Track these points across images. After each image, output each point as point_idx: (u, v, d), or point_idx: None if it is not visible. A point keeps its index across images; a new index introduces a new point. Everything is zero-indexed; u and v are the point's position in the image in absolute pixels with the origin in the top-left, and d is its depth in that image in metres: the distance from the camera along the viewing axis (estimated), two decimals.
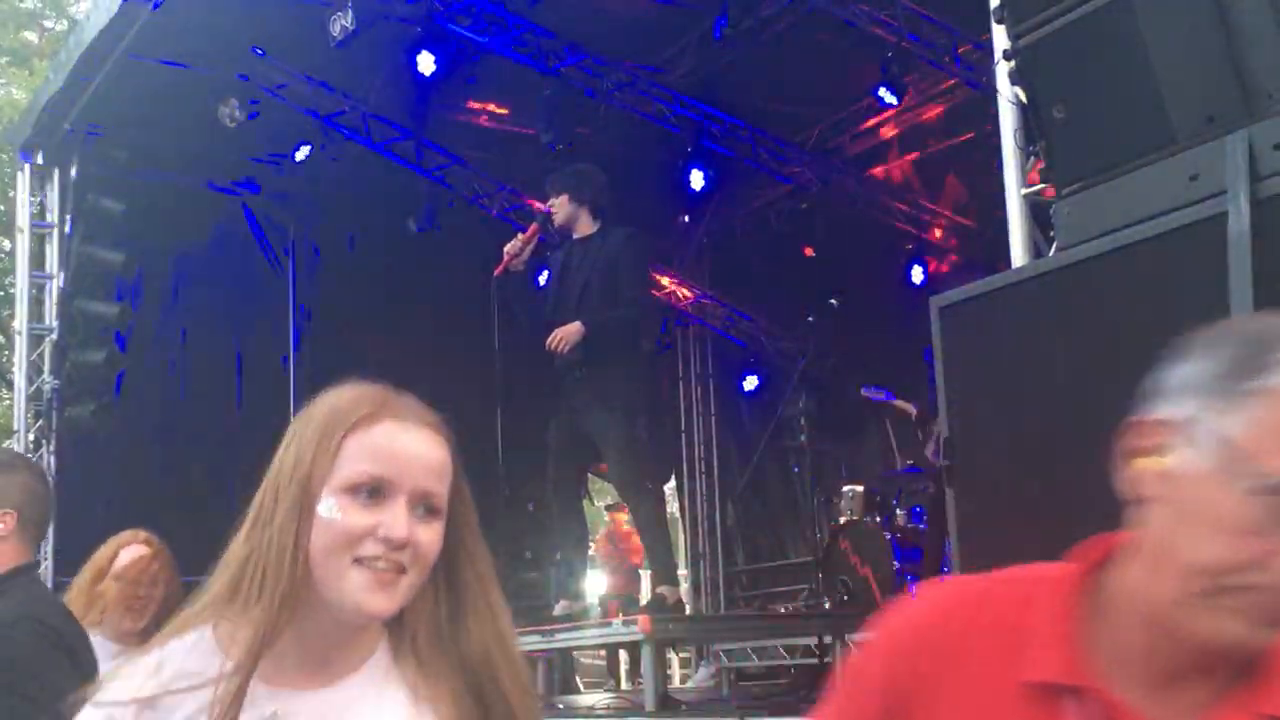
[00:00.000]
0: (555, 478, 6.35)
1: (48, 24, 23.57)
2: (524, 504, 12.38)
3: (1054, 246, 3.71)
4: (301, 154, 11.22)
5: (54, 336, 10.52)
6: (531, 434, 6.69)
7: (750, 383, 13.78)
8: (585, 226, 6.28)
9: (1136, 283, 3.03)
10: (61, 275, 10.55)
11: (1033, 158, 4.35)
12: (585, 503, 15.06)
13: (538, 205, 6.32)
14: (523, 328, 6.55)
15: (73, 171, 10.56)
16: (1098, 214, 3.32)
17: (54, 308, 10.59)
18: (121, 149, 10.56)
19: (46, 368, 10.51)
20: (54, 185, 10.76)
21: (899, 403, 9.49)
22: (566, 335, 6.04)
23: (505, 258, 6.14)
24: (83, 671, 2.69)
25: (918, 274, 11.62)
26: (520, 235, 6.20)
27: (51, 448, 10.44)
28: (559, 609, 6.89)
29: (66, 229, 10.56)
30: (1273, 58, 3.01)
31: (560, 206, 6.28)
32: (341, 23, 9.11)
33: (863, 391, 9.90)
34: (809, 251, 12.58)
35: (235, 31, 9.93)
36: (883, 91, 10.20)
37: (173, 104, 10.33)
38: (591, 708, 7.50)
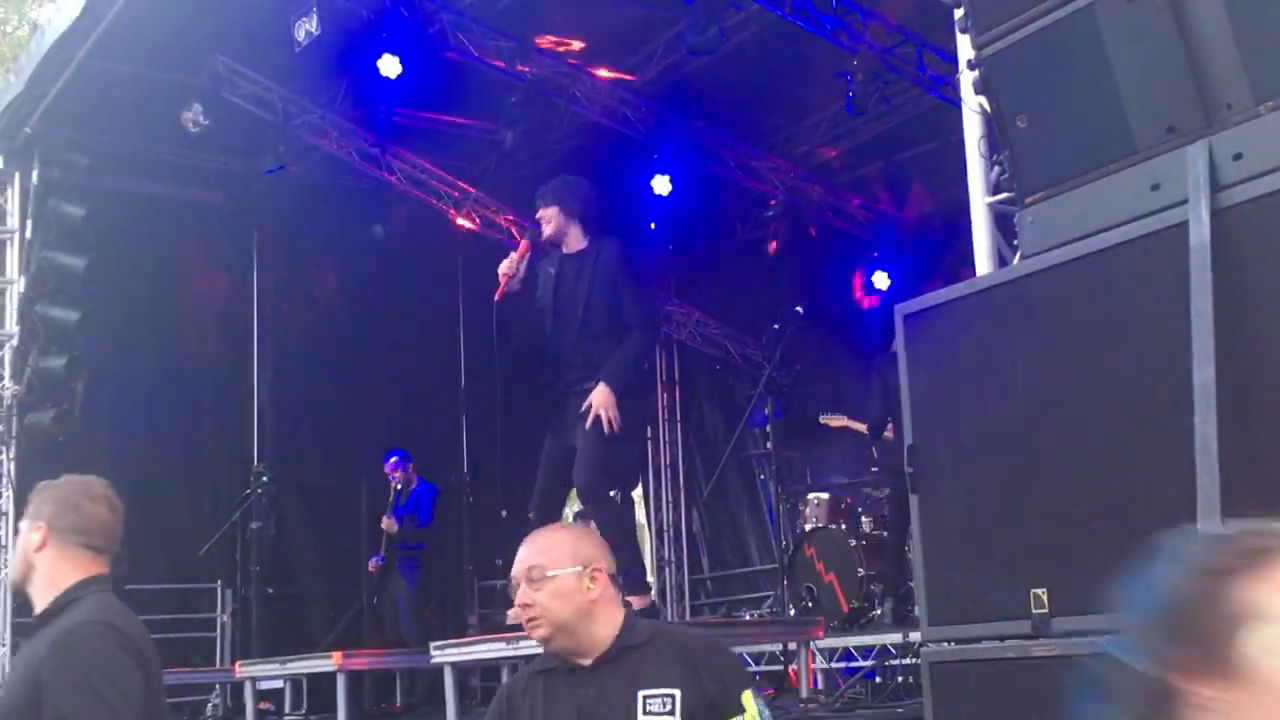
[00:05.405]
0: (541, 490, 6.22)
1: (9, 29, 23.35)
2: (495, 511, 12.34)
3: (1017, 255, 3.73)
4: (266, 160, 11.13)
5: (14, 342, 10.42)
6: (496, 441, 6.66)
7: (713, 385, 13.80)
8: (575, 240, 6.11)
9: (1099, 291, 3.06)
10: (22, 280, 10.45)
11: (997, 166, 4.38)
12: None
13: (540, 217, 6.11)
14: (519, 348, 6.41)
15: (34, 176, 10.47)
16: (1061, 223, 3.35)
17: (14, 313, 10.49)
18: (83, 154, 10.48)
19: (7, 373, 10.41)
20: (14, 189, 10.66)
21: (855, 424, 9.52)
22: (609, 410, 5.81)
23: (502, 279, 5.97)
24: (149, 676, 2.92)
25: (883, 281, 11.68)
26: (513, 254, 6.08)
27: (11, 454, 10.34)
28: (510, 616, 6.85)
29: (27, 234, 10.46)
30: (1232, 69, 3.04)
31: (551, 219, 6.13)
32: (306, 27, 9.06)
33: (821, 419, 9.93)
34: (772, 258, 12.61)
35: (198, 36, 9.87)
36: (849, 99, 10.23)
37: (135, 109, 10.26)
38: None
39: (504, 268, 5.98)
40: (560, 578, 3.08)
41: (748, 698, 2.95)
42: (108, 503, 3.19)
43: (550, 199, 6.13)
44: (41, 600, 3.02)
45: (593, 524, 6.41)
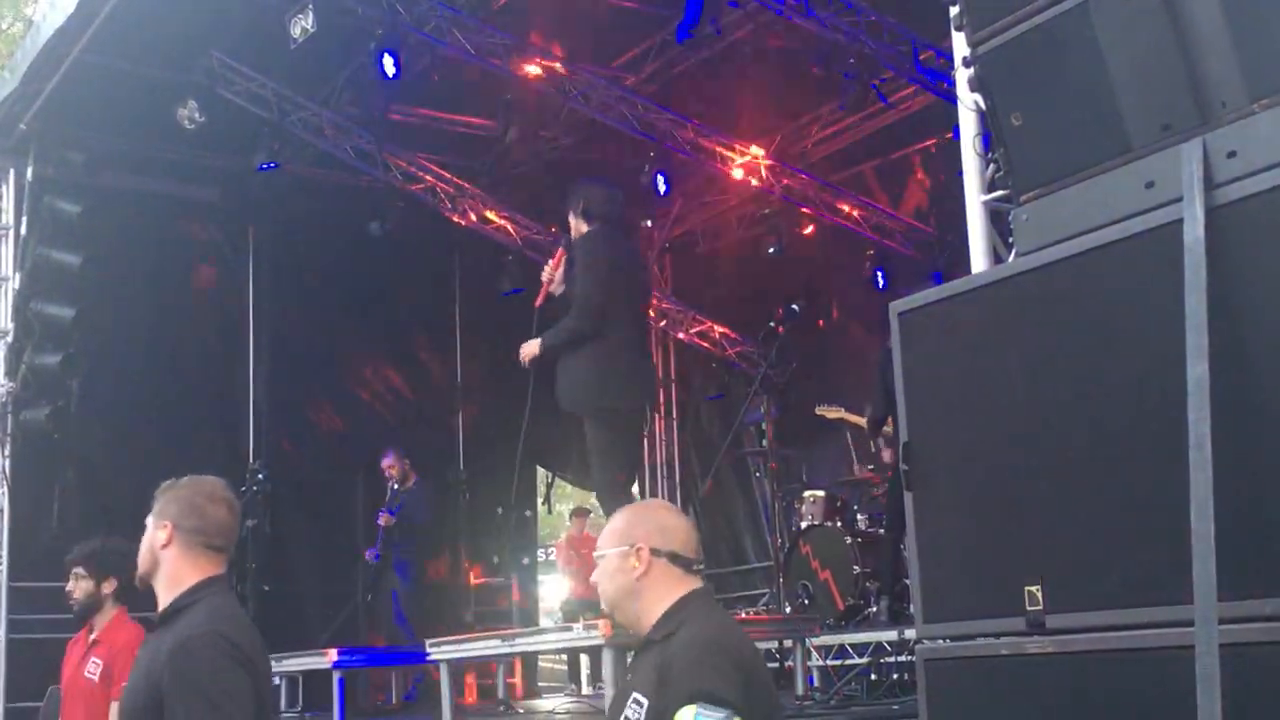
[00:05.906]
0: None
1: (4, 25, 23.32)
2: (492, 508, 12.35)
3: (1013, 252, 3.74)
4: (260, 156, 11.11)
5: (9, 339, 10.41)
6: (494, 439, 6.65)
7: (711, 388, 13.80)
8: None
9: (1094, 288, 3.06)
10: (17, 277, 10.44)
11: (992, 164, 4.38)
12: (544, 509, 15.03)
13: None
14: None
15: (29, 173, 10.45)
16: (1055, 220, 3.35)
17: (9, 310, 10.47)
18: (78, 150, 10.46)
19: (2, 371, 10.40)
20: (9, 186, 10.65)
21: (851, 416, 9.52)
22: (526, 352, 6.05)
23: (543, 285, 6.12)
24: (258, 681, 3.10)
25: (879, 280, 11.69)
26: (550, 262, 6.20)
27: (7, 451, 10.33)
28: None
29: (22, 230, 10.45)
30: (1226, 67, 3.04)
31: (568, 222, 6.29)
32: (302, 24, 9.06)
33: (817, 410, 9.94)
34: (771, 258, 12.62)
35: (193, 33, 9.86)
36: (845, 97, 10.24)
37: (130, 106, 10.24)
38: (552, 712, 7.49)
39: (544, 274, 6.15)
40: (608, 558, 3.10)
41: (684, 716, 2.68)
42: (226, 504, 3.40)
43: (566, 203, 6.28)
44: (164, 596, 3.27)
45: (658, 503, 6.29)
